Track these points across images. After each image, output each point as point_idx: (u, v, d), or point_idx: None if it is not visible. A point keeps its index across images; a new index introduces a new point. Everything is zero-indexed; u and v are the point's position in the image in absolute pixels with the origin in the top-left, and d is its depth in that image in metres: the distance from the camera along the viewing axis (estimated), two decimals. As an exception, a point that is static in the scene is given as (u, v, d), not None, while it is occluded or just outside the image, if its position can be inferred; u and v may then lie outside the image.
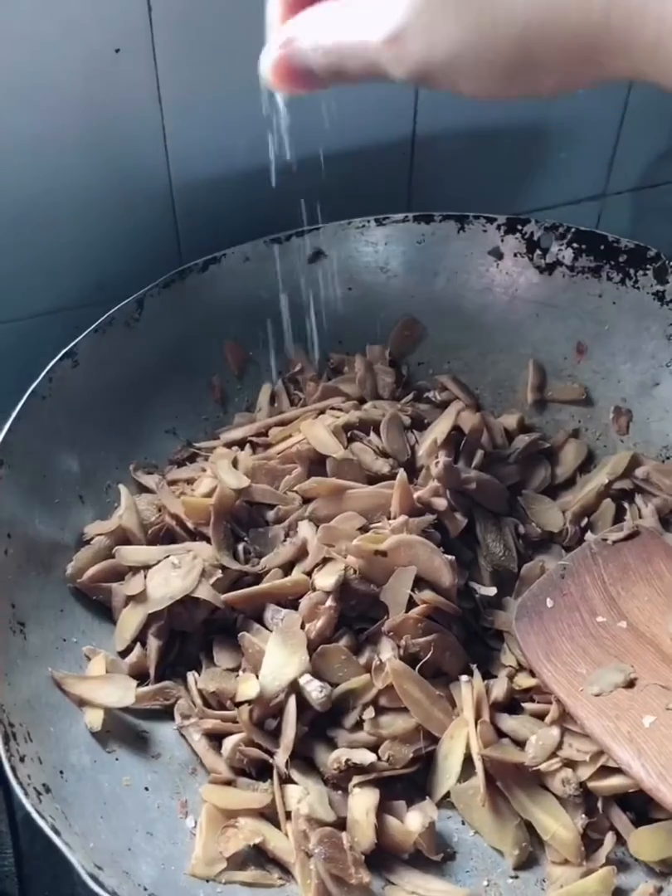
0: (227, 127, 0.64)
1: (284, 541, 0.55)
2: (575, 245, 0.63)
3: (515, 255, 0.65)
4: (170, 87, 0.60)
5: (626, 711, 0.47)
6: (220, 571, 0.53)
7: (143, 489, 0.58)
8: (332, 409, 0.61)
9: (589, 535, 0.58)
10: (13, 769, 0.40)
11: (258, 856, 0.46)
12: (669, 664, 0.49)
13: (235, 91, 0.62)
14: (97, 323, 0.58)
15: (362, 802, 0.46)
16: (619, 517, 0.59)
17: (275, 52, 0.37)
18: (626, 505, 0.60)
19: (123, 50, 0.58)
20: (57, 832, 0.38)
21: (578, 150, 0.75)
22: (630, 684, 0.48)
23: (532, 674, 0.51)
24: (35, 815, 0.39)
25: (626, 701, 0.47)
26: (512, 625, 0.53)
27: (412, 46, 0.32)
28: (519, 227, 0.64)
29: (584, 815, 0.47)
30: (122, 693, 0.48)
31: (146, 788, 0.47)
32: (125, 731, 0.48)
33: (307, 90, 0.38)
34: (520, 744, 0.49)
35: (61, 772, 0.44)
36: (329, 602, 0.51)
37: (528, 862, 0.47)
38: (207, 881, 0.43)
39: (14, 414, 0.52)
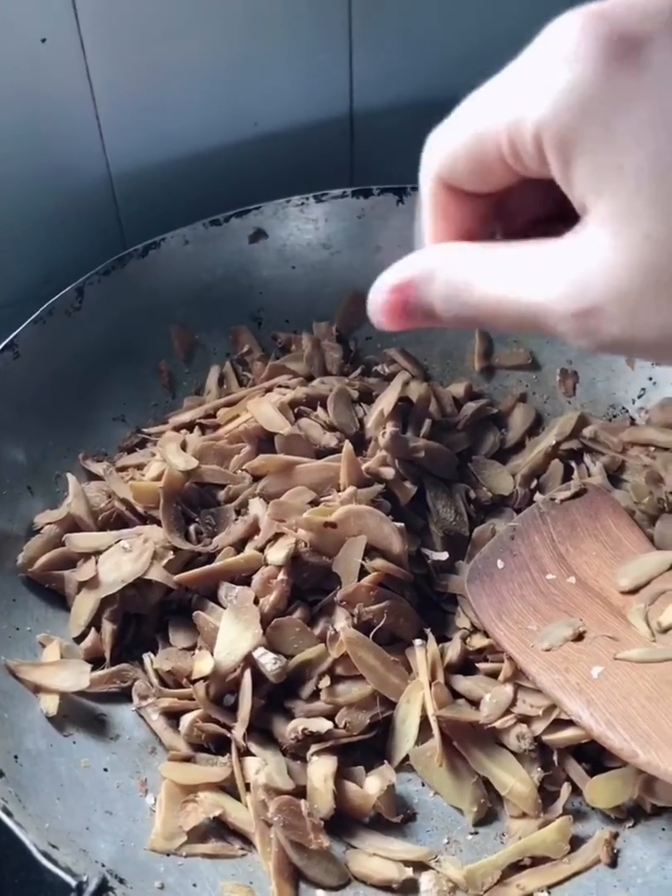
0: (162, 111, 0.64)
1: (236, 519, 0.55)
2: (512, 211, 0.64)
3: (456, 224, 0.65)
4: (100, 74, 0.60)
5: (576, 664, 0.47)
6: (171, 553, 0.53)
7: (93, 477, 0.58)
8: (279, 386, 0.61)
9: (537, 496, 0.58)
10: (-36, 756, 0.40)
11: (219, 828, 0.46)
12: (617, 616, 0.50)
13: (168, 74, 0.63)
14: (36, 313, 0.58)
15: (320, 770, 0.47)
16: (567, 477, 0.59)
17: (395, 292, 0.31)
18: (574, 465, 0.60)
19: (49, 39, 0.58)
20: (8, 814, 0.39)
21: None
22: (579, 637, 0.49)
23: (486, 635, 0.52)
24: (-15, 799, 0.39)
25: (576, 654, 0.48)
26: (464, 587, 0.53)
27: (611, 327, 0.26)
28: (456, 196, 0.64)
29: (539, 769, 0.47)
30: (77, 677, 0.48)
31: (105, 769, 0.47)
32: (83, 715, 0.49)
33: (414, 328, 0.32)
34: (475, 703, 0.50)
35: (16, 756, 0.44)
36: (281, 575, 0.51)
37: (487, 818, 0.47)
38: (168, 855, 0.44)
39: (-44, 409, 0.52)
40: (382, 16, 0.66)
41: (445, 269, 0.30)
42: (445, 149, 0.30)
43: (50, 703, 0.47)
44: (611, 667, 0.47)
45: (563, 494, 0.57)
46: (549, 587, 0.53)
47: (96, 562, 0.52)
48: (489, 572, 0.54)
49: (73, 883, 0.37)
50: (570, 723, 0.47)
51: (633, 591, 0.51)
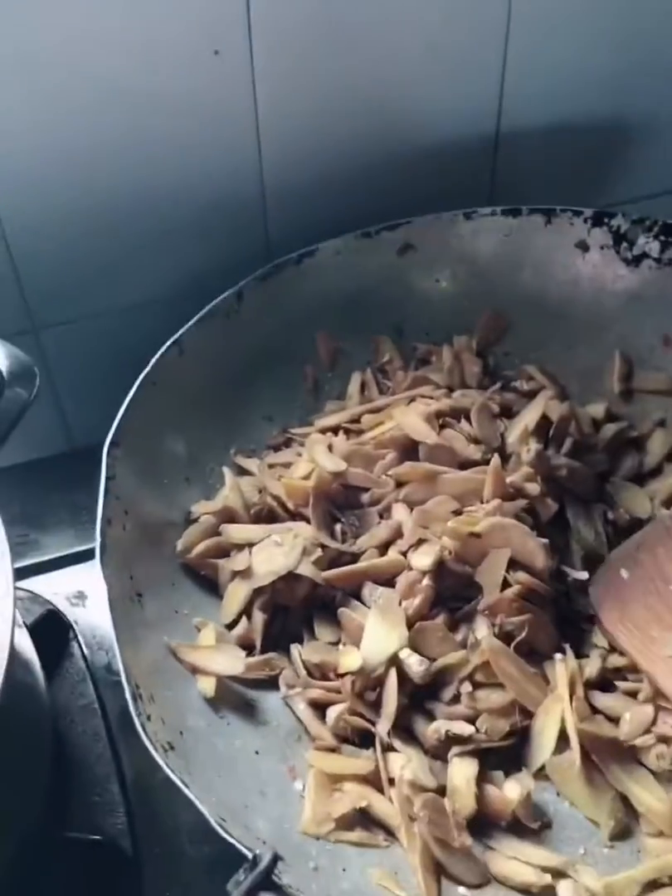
0: (319, 126, 0.66)
1: (379, 522, 0.57)
2: (662, 238, 0.64)
3: (602, 247, 0.66)
4: (265, 87, 0.63)
5: None
6: (319, 550, 0.55)
7: (243, 472, 0.61)
8: (423, 396, 0.63)
9: (662, 511, 0.59)
10: (143, 726, 0.43)
11: (363, 819, 0.48)
12: None
13: (327, 91, 0.65)
14: (201, 313, 0.60)
15: (462, 771, 0.48)
16: (707, 507, 0.60)
17: None
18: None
19: (222, 51, 0.61)
20: (186, 785, 0.41)
21: (659, 144, 0.75)
22: None
23: (622, 654, 0.53)
24: (166, 769, 0.41)
25: None
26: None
27: None
28: (605, 220, 0.65)
29: (678, 790, 0.48)
30: (233, 662, 0.51)
31: (256, 752, 0.49)
32: (235, 699, 0.51)
33: None
34: (614, 720, 0.50)
35: (181, 732, 0.46)
36: (426, 581, 0.53)
37: (623, 833, 0.48)
38: (318, 839, 0.46)
39: (128, 398, 0.55)
40: (537, 38, 0.67)
41: None
42: None
43: (207, 685, 0.50)
44: None
45: None
46: None
47: (250, 553, 0.55)
48: (614, 580, 0.55)
49: (249, 855, 0.39)
50: (711, 747, 0.48)
51: None
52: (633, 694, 0.51)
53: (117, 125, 0.60)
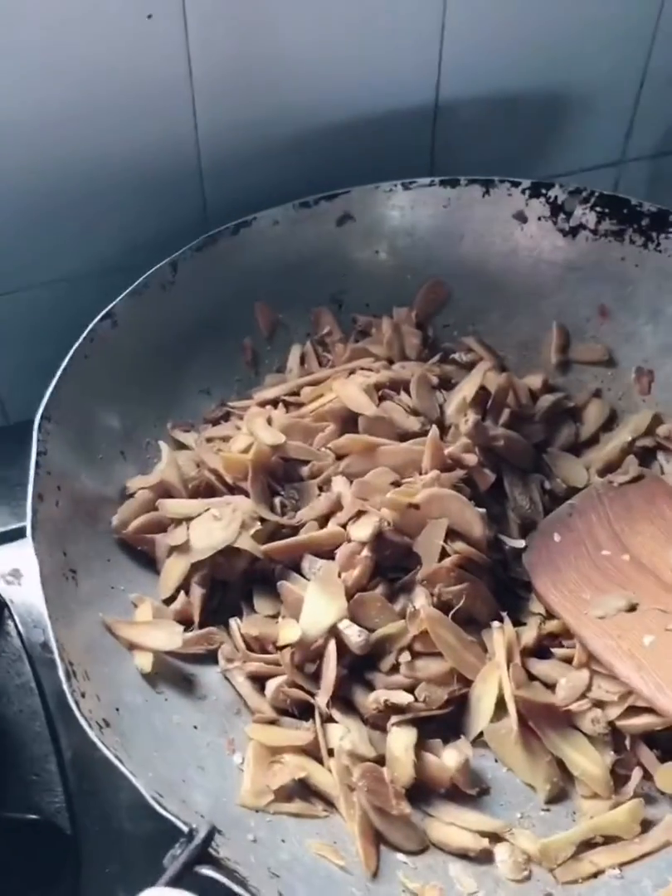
0: (255, 94, 0.65)
1: (319, 495, 0.57)
2: (598, 209, 0.65)
3: (540, 218, 0.66)
4: (200, 53, 0.61)
5: (628, 632, 0.50)
6: (258, 523, 0.55)
7: (180, 446, 0.60)
8: (362, 369, 0.63)
9: (596, 478, 0.60)
10: (76, 703, 0.42)
11: (303, 790, 0.48)
12: (669, 592, 0.52)
13: (263, 58, 0.64)
14: (134, 285, 0.59)
15: (401, 740, 0.48)
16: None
17: None
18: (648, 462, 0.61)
19: (156, 15, 0.59)
20: (121, 761, 0.41)
21: (598, 117, 0.76)
22: (631, 609, 0.51)
23: (556, 617, 0.54)
24: (100, 746, 0.41)
25: (628, 623, 0.50)
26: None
27: None
28: (543, 191, 0.66)
29: (612, 753, 0.49)
30: (170, 637, 0.50)
31: (195, 727, 0.49)
32: (173, 674, 0.51)
33: None
34: (550, 686, 0.51)
35: (117, 709, 0.46)
36: (365, 552, 0.53)
37: (559, 796, 0.49)
38: (257, 811, 0.46)
39: (59, 372, 0.54)
40: (475, 8, 0.66)
41: None
42: None
43: (144, 661, 0.49)
44: (662, 636, 0.49)
45: (621, 478, 0.59)
46: (604, 561, 0.55)
47: (187, 528, 0.54)
48: (547, 545, 0.57)
49: (185, 828, 0.39)
50: (643, 710, 0.49)
51: None
52: (569, 660, 0.52)
53: (48, 93, 0.58)
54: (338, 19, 0.63)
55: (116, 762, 0.40)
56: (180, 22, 0.59)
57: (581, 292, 0.66)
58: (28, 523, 0.48)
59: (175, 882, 0.37)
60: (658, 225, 0.63)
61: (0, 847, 0.50)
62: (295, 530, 0.56)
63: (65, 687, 0.42)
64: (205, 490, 0.57)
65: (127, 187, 0.65)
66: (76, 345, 0.55)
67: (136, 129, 0.63)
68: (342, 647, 0.50)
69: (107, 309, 0.58)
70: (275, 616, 0.54)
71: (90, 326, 0.56)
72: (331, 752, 0.49)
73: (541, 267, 0.66)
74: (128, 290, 0.59)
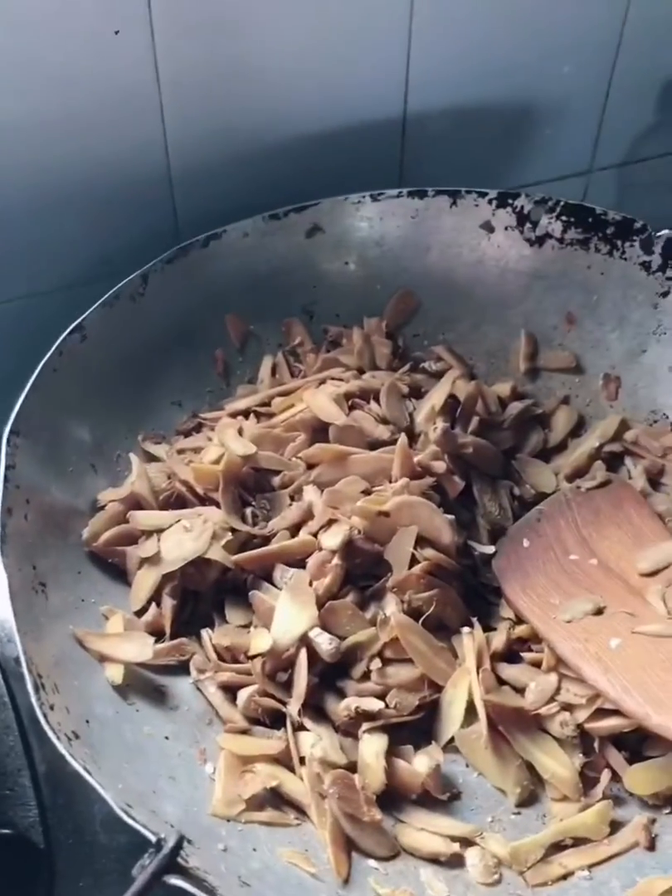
0: (223, 107, 0.66)
1: (290, 504, 0.57)
2: (564, 218, 0.66)
3: (506, 228, 0.67)
4: (168, 67, 0.62)
5: (595, 635, 0.50)
6: (229, 534, 0.55)
7: (152, 458, 0.60)
8: (333, 379, 0.63)
9: (564, 484, 0.61)
10: (45, 716, 0.42)
11: (275, 798, 0.48)
12: (635, 595, 0.53)
13: (231, 71, 0.64)
14: (104, 297, 0.59)
15: (372, 746, 0.49)
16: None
17: None
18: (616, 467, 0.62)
19: (123, 31, 0.60)
20: (89, 772, 0.41)
21: (565, 127, 0.77)
22: (599, 612, 0.52)
23: (525, 621, 0.54)
24: (68, 757, 0.41)
25: (595, 626, 0.51)
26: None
27: None
28: (509, 201, 0.66)
29: (581, 755, 0.49)
30: (141, 649, 0.50)
31: (166, 738, 0.49)
32: (144, 686, 0.51)
33: None
34: (520, 690, 0.52)
35: (87, 721, 0.46)
36: (335, 560, 0.53)
37: (529, 799, 0.50)
38: (228, 821, 0.46)
39: (28, 385, 0.54)
40: (441, 21, 0.67)
41: None
42: None
43: (115, 673, 0.49)
44: (628, 639, 0.50)
45: (589, 484, 0.60)
46: (572, 566, 0.56)
47: (158, 539, 0.54)
48: (515, 550, 0.57)
49: (153, 838, 0.39)
50: (611, 712, 0.49)
51: (652, 574, 0.54)
52: (538, 664, 0.52)
53: (19, 106, 0.59)
54: (306, 32, 0.64)
55: (85, 774, 0.40)
56: (148, 36, 0.60)
57: (548, 300, 0.67)
58: (-4, 537, 0.48)
59: (144, 893, 0.37)
60: (622, 233, 0.64)
61: (-27, 862, 0.50)
62: (266, 540, 0.56)
63: (33, 699, 0.43)
64: (176, 501, 0.57)
65: (97, 199, 0.65)
66: (45, 358, 0.55)
67: (106, 141, 0.63)
68: (313, 656, 0.51)
69: (76, 322, 0.58)
70: (246, 626, 0.54)
71: (59, 340, 0.57)
72: (302, 761, 0.49)
73: (508, 276, 0.67)
74: (98, 303, 0.59)
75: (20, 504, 0.50)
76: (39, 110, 0.60)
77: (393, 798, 0.48)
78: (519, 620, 0.55)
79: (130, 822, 0.39)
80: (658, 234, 0.63)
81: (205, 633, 0.54)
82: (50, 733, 0.42)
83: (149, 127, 0.64)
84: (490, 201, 0.67)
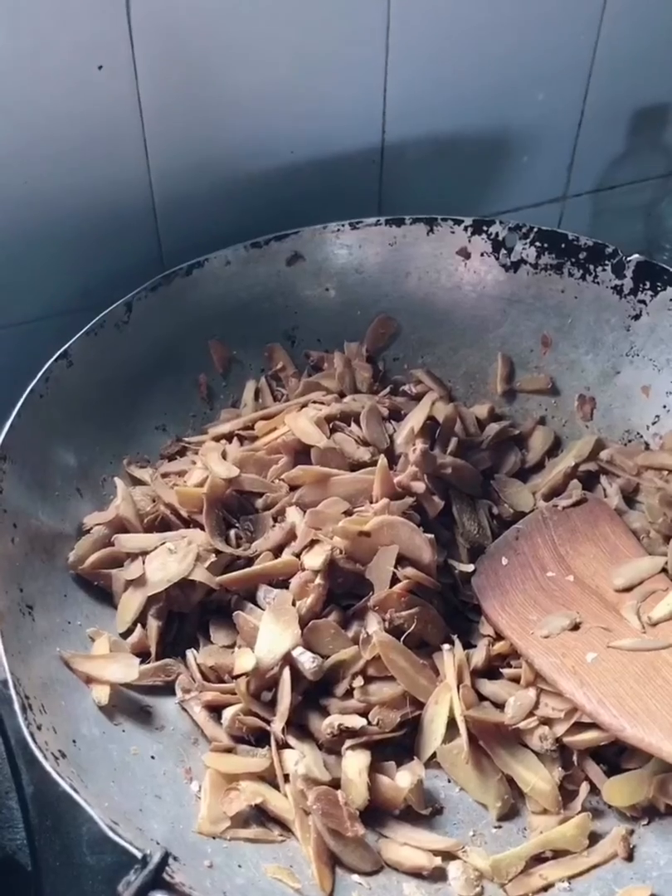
0: (206, 138, 0.67)
1: (273, 526, 0.58)
2: (538, 244, 0.67)
3: (482, 254, 0.69)
4: (150, 101, 0.63)
5: (572, 650, 0.52)
6: (214, 555, 0.56)
7: (137, 482, 0.61)
8: (314, 402, 0.65)
9: (541, 502, 0.62)
10: (32, 735, 0.43)
11: (259, 815, 0.49)
12: (610, 611, 0.54)
13: (213, 103, 0.66)
14: (89, 325, 0.61)
15: (355, 763, 0.50)
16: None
17: None
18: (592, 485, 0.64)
19: (105, 66, 0.61)
20: (76, 791, 0.41)
21: (540, 155, 0.79)
22: (575, 627, 0.53)
23: (504, 638, 0.55)
24: (55, 776, 0.42)
25: (572, 641, 0.52)
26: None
27: None
28: (485, 227, 0.68)
29: (560, 769, 0.50)
30: (126, 670, 0.51)
31: (152, 757, 0.50)
32: (130, 706, 0.51)
33: None
34: (499, 706, 0.53)
35: (74, 741, 0.46)
36: (318, 580, 0.54)
37: (510, 813, 0.50)
38: (214, 838, 0.47)
39: (15, 411, 0.55)
40: (417, 53, 0.69)
41: None
42: None
43: (101, 694, 0.50)
44: (604, 653, 0.51)
45: (565, 502, 0.62)
46: (549, 583, 0.57)
47: (143, 562, 0.55)
48: (494, 568, 0.58)
49: (139, 855, 0.39)
50: (589, 725, 0.50)
51: (627, 590, 0.56)
52: (517, 679, 0.53)
53: (4, 140, 0.60)
54: (285, 66, 0.66)
55: (72, 792, 0.41)
56: (131, 71, 0.62)
57: (524, 324, 0.68)
58: (-17, 561, 0.49)
59: (130, 908, 0.38)
60: (594, 258, 0.66)
61: (-39, 885, 0.50)
62: (250, 561, 0.57)
63: (20, 720, 0.43)
64: (160, 524, 0.58)
65: (82, 230, 0.67)
66: (31, 385, 0.56)
67: (91, 174, 0.65)
68: (296, 675, 0.52)
69: (62, 349, 0.59)
70: (231, 646, 0.55)
71: (46, 366, 0.58)
72: (287, 778, 0.50)
73: (485, 300, 0.69)
74: (83, 330, 0.60)
75: (7, 528, 0.51)
76: (25, 144, 0.61)
77: (376, 814, 0.49)
78: (498, 637, 0.56)
79: (117, 839, 0.40)
80: (629, 258, 0.65)
81: (190, 653, 0.54)
82: (37, 753, 0.42)
83: (132, 159, 0.66)
84: (466, 228, 0.68)
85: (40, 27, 0.57)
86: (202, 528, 0.57)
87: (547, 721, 0.51)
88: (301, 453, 0.61)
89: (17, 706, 0.44)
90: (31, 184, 0.63)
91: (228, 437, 0.64)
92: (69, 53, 0.59)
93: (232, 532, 0.58)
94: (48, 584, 0.53)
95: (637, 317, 0.65)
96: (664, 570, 0.56)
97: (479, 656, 0.55)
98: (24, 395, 0.56)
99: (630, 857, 0.48)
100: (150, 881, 0.38)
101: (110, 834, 0.40)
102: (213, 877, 0.44)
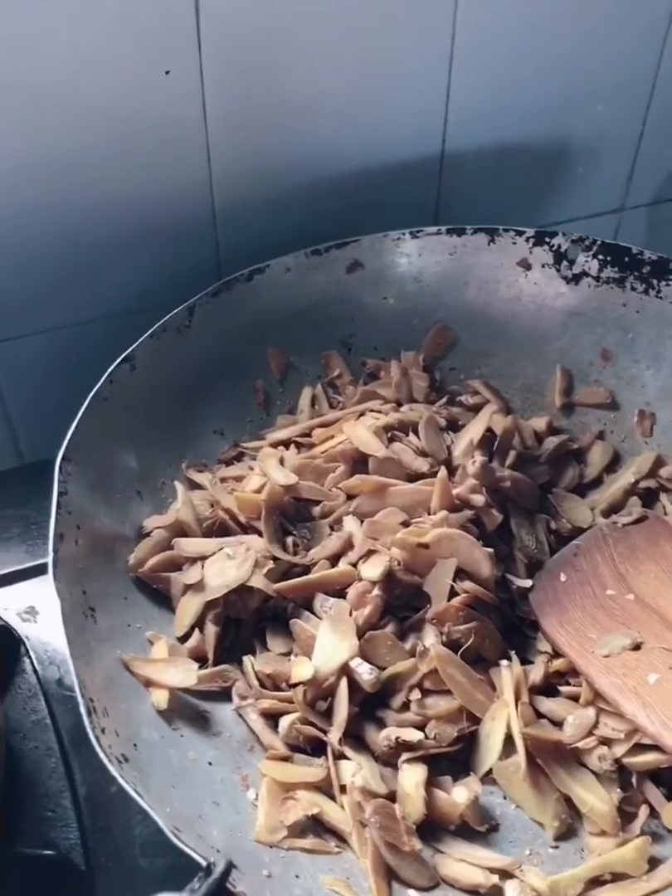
0: (268, 145, 0.67)
1: (330, 534, 0.58)
2: (600, 257, 0.67)
3: (543, 266, 0.68)
4: (215, 107, 0.64)
5: (633, 670, 0.51)
6: (271, 562, 0.56)
7: (195, 486, 0.61)
8: (372, 411, 0.65)
9: (600, 519, 0.62)
10: (97, 739, 0.43)
11: (315, 826, 0.49)
12: None
13: (276, 111, 0.66)
14: (152, 329, 0.61)
15: (412, 777, 0.49)
16: (644, 515, 0.62)
17: None
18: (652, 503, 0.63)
19: (173, 71, 0.62)
20: (140, 795, 0.42)
21: (598, 166, 0.78)
22: (636, 647, 0.52)
23: (562, 655, 0.55)
24: (120, 781, 0.42)
25: (633, 661, 0.51)
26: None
27: None
28: (546, 239, 0.68)
29: (619, 790, 0.50)
30: (185, 674, 0.51)
31: (209, 763, 0.50)
32: (188, 711, 0.52)
33: None
34: (557, 724, 0.52)
35: (135, 744, 0.47)
36: (376, 591, 0.54)
37: (567, 833, 0.50)
38: (271, 847, 0.47)
39: (79, 414, 0.55)
40: (480, 62, 0.69)
41: None
42: None
43: (160, 698, 0.50)
44: (667, 675, 0.50)
45: (626, 519, 0.61)
46: (609, 601, 0.56)
47: (202, 566, 0.55)
48: (552, 584, 0.58)
49: (203, 862, 0.39)
50: (650, 747, 0.49)
51: None
52: (575, 698, 0.53)
53: (70, 142, 0.61)
54: (348, 74, 0.66)
55: (137, 797, 0.41)
56: (197, 76, 0.62)
57: (584, 337, 0.68)
58: (50, 562, 0.49)
59: (194, 916, 0.38)
60: (658, 272, 0.65)
61: (15, 882, 0.51)
62: (307, 569, 0.57)
63: (86, 722, 0.44)
64: (219, 529, 0.58)
65: (142, 232, 0.67)
66: (96, 388, 0.57)
67: (152, 176, 0.65)
68: (353, 685, 0.51)
69: (126, 352, 0.59)
70: (287, 654, 0.55)
71: (110, 369, 0.58)
72: (343, 789, 0.49)
73: (544, 312, 0.68)
74: (146, 334, 0.61)
75: (71, 530, 0.52)
76: (90, 148, 0.62)
77: (432, 828, 0.49)
78: (556, 654, 0.56)
79: (182, 846, 0.40)
80: (693, 274, 0.64)
81: (247, 660, 0.54)
82: (103, 756, 0.42)
83: (195, 164, 0.66)
84: (527, 239, 0.68)
85: (107, 29, 0.57)
86: (260, 535, 0.57)
87: (606, 741, 0.50)
88: (359, 462, 0.61)
89: (82, 708, 0.44)
90: (98, 186, 0.63)
91: (286, 443, 0.64)
92: (136, 56, 0.59)
93: (289, 539, 0.58)
94: (109, 586, 0.54)
95: (700, 333, 0.64)
96: (727, 590, 0.56)
97: (536, 673, 0.54)
98: (89, 398, 0.56)
99: (691, 884, 0.47)
100: (215, 891, 0.38)
101: (175, 840, 0.40)
102: (272, 887, 0.44)
